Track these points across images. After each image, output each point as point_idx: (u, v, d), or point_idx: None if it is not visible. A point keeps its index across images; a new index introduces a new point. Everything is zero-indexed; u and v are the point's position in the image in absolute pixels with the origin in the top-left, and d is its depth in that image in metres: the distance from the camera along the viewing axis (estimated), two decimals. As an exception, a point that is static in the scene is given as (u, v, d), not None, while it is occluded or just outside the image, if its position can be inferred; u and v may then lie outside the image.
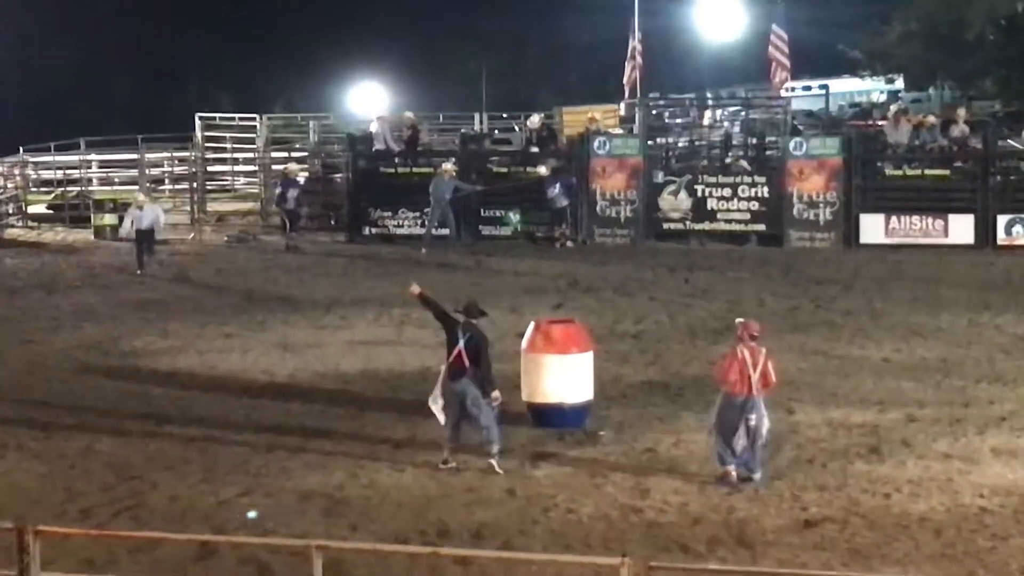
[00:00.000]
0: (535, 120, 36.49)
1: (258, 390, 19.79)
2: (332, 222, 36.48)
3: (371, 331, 23.66)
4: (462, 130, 39.77)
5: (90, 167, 43.57)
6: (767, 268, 29.80)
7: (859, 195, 32.72)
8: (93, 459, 16.35)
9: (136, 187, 38.93)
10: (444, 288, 26.89)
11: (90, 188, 41.79)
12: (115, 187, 42.26)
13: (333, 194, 37.05)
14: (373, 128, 36.17)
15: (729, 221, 33.17)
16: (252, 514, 14.37)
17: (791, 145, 33.20)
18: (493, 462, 15.57)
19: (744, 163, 34.48)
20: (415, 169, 35.16)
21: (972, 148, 33.51)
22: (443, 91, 70.09)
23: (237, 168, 44.35)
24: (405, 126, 36.38)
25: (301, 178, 35.05)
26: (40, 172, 43.02)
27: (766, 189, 33.05)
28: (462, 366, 15.64)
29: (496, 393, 15.76)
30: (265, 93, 70.06)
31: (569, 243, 33.10)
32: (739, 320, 15.81)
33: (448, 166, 33.05)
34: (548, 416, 17.25)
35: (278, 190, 34.51)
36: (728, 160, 34.95)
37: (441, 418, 15.81)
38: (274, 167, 39.31)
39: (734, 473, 15.14)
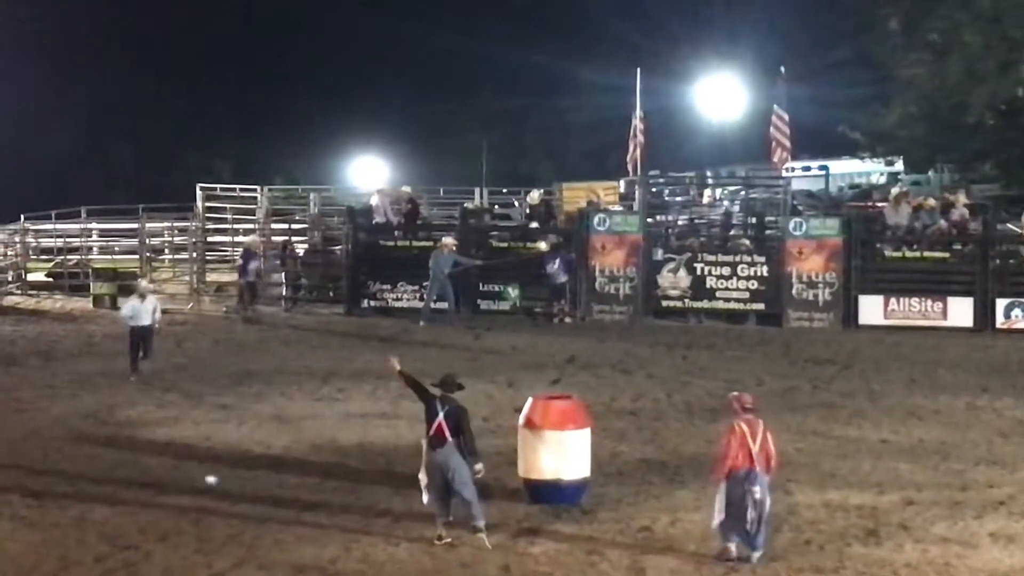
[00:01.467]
0: (534, 196, 36.64)
1: (253, 461, 19.70)
2: (331, 294, 36.52)
3: (368, 404, 23.60)
4: (465, 204, 39.88)
5: (90, 236, 43.66)
6: (765, 347, 29.79)
7: (858, 276, 32.79)
8: (87, 528, 16.25)
9: (136, 257, 38.94)
10: (441, 362, 26.92)
11: (90, 256, 41.86)
12: (115, 256, 42.31)
13: (332, 266, 37.12)
14: (373, 201, 36.32)
15: (728, 300, 33.21)
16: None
17: (791, 225, 33.29)
18: (483, 536, 15.50)
19: (745, 242, 34.56)
20: (415, 242, 35.23)
21: (972, 231, 33.61)
22: (443, 165, 70.42)
23: (237, 239, 44.39)
24: (404, 200, 36.52)
25: (277, 247, 35.38)
26: (40, 240, 43.11)
27: (765, 268, 33.12)
28: (443, 437, 15.65)
29: (480, 466, 15.76)
30: (266, 165, 70.39)
31: (567, 319, 33.12)
32: (732, 394, 15.77)
33: (448, 240, 33.15)
34: (544, 492, 17.16)
35: (239, 263, 34.64)
36: (729, 239, 35.02)
37: (424, 496, 15.73)
38: (274, 238, 39.37)
39: (734, 549, 15.04)
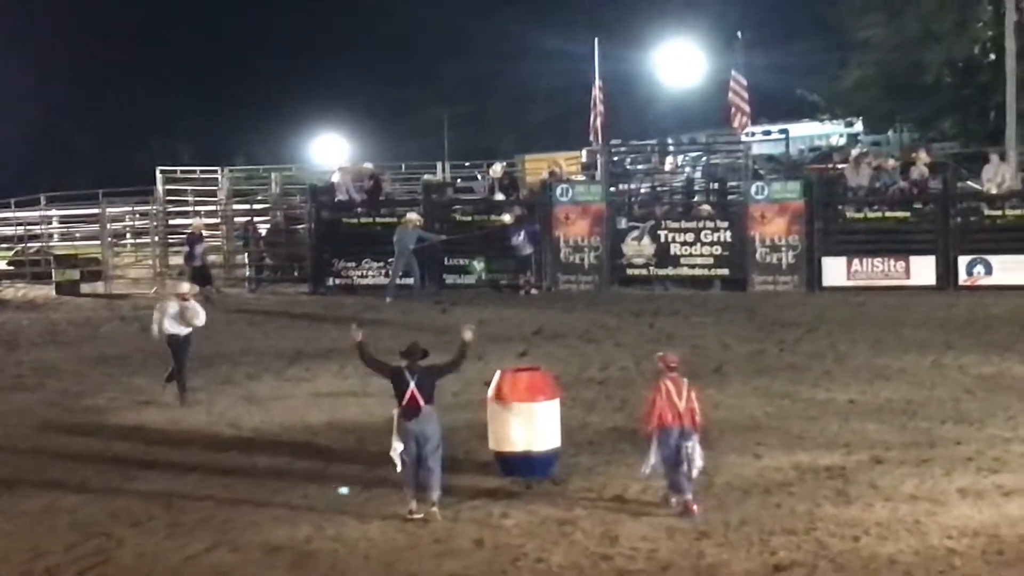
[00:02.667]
0: (497, 169, 36.63)
1: (223, 444, 19.67)
2: (295, 273, 36.44)
3: (336, 383, 23.57)
4: (424, 177, 39.82)
5: (51, 223, 43.42)
6: (731, 312, 29.89)
7: (821, 238, 32.91)
8: (57, 516, 16.19)
9: (98, 243, 38.67)
10: (409, 338, 26.87)
11: (51, 244, 41.63)
12: (76, 242, 42.09)
13: (296, 245, 37.02)
14: (335, 179, 36.25)
15: (692, 266, 33.31)
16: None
17: (752, 189, 33.38)
18: (435, 510, 15.53)
19: (707, 208, 34.63)
20: (378, 219, 35.16)
21: (932, 190, 33.76)
22: (405, 141, 70.30)
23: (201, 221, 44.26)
24: (366, 176, 36.43)
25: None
26: (0, 228, 42.83)
27: (728, 234, 33.20)
28: (417, 406, 15.65)
29: (469, 335, 16.35)
30: (226, 146, 70.10)
31: (533, 290, 33.15)
32: (657, 354, 16.28)
33: (412, 216, 33.10)
34: (515, 465, 17.17)
35: (186, 248, 34.43)
36: (692, 205, 35.09)
37: (399, 466, 15.74)
38: (236, 219, 39.26)
39: (691, 501, 15.38)
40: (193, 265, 33.36)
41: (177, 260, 40.20)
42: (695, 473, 15.56)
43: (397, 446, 15.71)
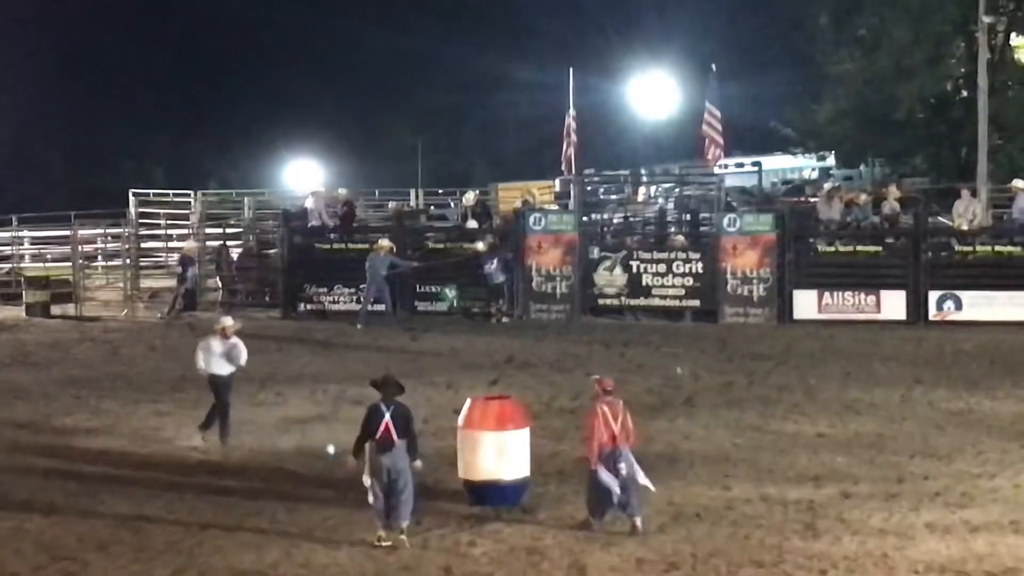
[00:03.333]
0: (470, 197, 36.66)
1: (191, 468, 19.61)
2: (266, 298, 36.36)
3: (306, 408, 23.52)
4: (389, 203, 39.79)
5: (22, 243, 43.26)
6: (702, 343, 29.94)
7: (792, 271, 32.99)
8: (24, 539, 16.11)
9: (69, 265, 38.53)
10: (380, 365, 26.87)
11: (22, 265, 41.47)
12: (47, 264, 41.95)
13: (268, 270, 36.95)
14: (308, 204, 36.23)
15: (664, 297, 33.35)
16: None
17: (725, 221, 33.47)
18: (403, 537, 15.51)
19: (680, 239, 34.71)
20: (350, 245, 35.13)
21: (903, 225, 33.91)
22: (378, 167, 70.33)
23: (171, 244, 44.15)
24: (340, 202, 36.42)
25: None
26: (-29, 249, 42.69)
27: (700, 265, 33.27)
28: (390, 439, 15.61)
29: (419, 463, 15.85)
30: (200, 169, 70.03)
31: (505, 319, 33.16)
32: (593, 377, 16.85)
33: (384, 242, 33.08)
34: (485, 493, 17.15)
35: (179, 270, 34.58)
36: (664, 236, 35.17)
37: (371, 497, 15.72)
38: (209, 243, 39.18)
39: (596, 526, 16.03)
40: (186, 288, 33.48)
41: (148, 283, 40.16)
42: (641, 486, 16.03)
43: (367, 479, 15.68)
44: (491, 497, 17.11)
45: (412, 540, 15.62)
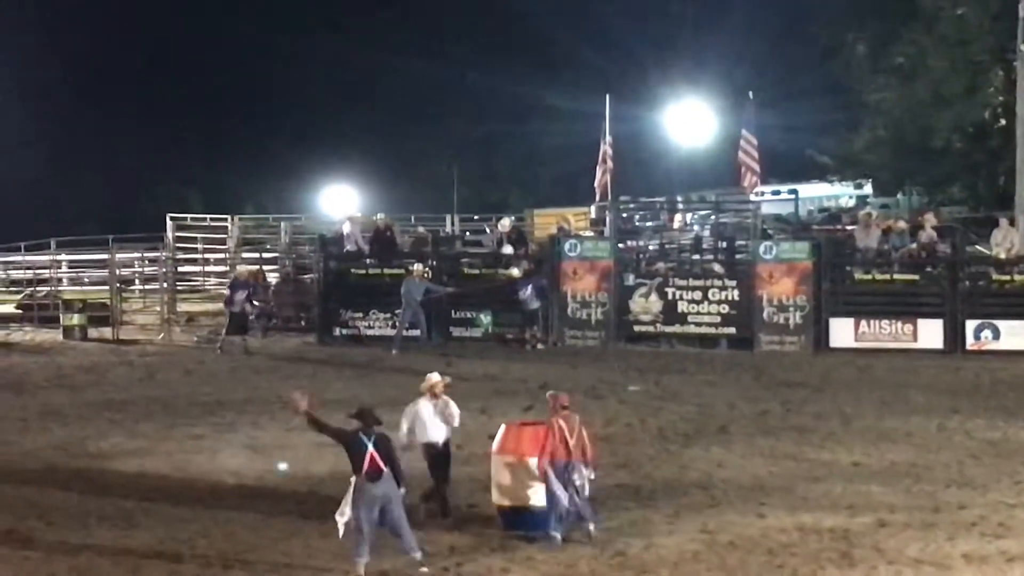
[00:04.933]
0: (505, 223, 36.65)
1: (226, 492, 19.65)
2: (302, 323, 36.44)
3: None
4: (418, 229, 39.76)
5: (60, 267, 43.51)
6: (737, 371, 29.84)
7: (829, 299, 32.87)
8: (58, 562, 16.16)
9: (106, 288, 38.69)
10: (413, 390, 26.83)
11: (60, 288, 41.71)
12: (85, 287, 42.17)
13: (303, 295, 37.06)
14: (344, 229, 36.28)
15: (700, 324, 33.25)
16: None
17: (761, 249, 33.39)
18: (425, 570, 15.45)
19: (716, 266, 34.63)
20: (386, 270, 35.18)
21: (941, 253, 33.77)
22: (414, 193, 70.45)
23: (208, 268, 44.34)
24: (380, 227, 36.44)
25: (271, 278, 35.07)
26: (10, 272, 42.96)
27: (736, 292, 33.17)
28: (378, 469, 15.51)
29: (403, 489, 15.78)
30: (237, 194, 70.31)
31: (540, 345, 33.13)
32: (549, 393, 17.45)
33: (419, 267, 33.13)
34: (518, 519, 17.14)
35: (227, 292, 34.52)
36: (700, 263, 35.09)
37: (341, 531, 15.58)
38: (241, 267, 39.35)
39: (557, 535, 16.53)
40: (232, 311, 33.42)
41: (185, 307, 40.33)
42: (584, 497, 16.75)
43: (346, 512, 15.51)
44: (524, 523, 17.09)
45: (447, 565, 15.60)
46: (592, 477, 16.92)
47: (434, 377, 18.41)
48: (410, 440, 17.89)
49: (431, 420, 18.03)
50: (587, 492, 16.88)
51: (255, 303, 34.00)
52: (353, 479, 15.59)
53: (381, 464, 15.51)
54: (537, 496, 17.05)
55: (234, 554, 16.40)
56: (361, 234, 35.95)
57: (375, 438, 15.66)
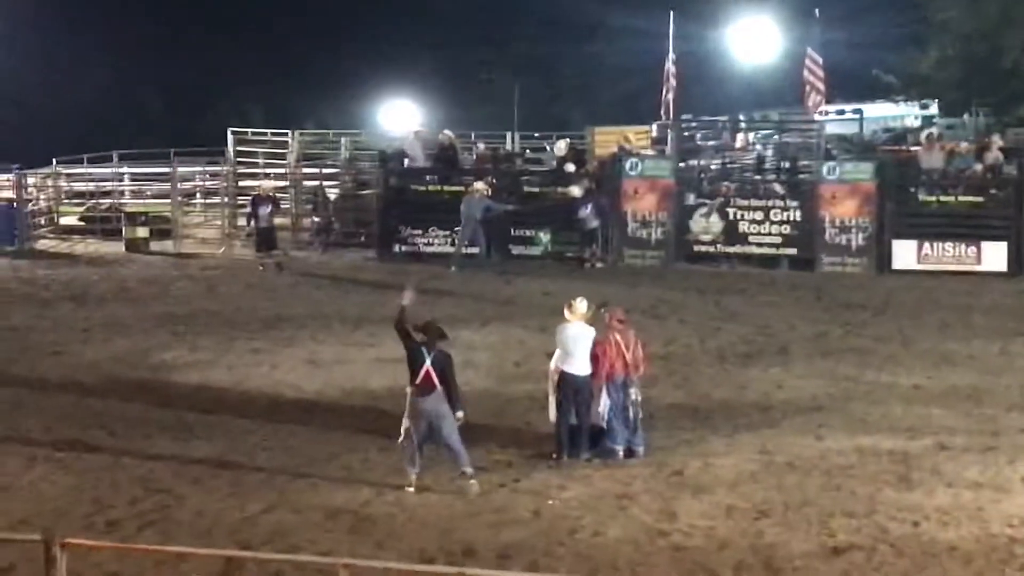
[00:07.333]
0: (561, 146, 36.39)
1: (286, 405, 19.81)
2: (362, 239, 36.50)
3: (398, 349, 23.39)
4: (478, 146, 39.55)
5: (122, 180, 43.71)
6: (797, 292, 29.68)
7: (892, 221, 32.56)
8: (120, 472, 16.37)
9: (168, 201, 38.91)
10: (473, 308, 27.01)
11: (122, 201, 41.94)
12: (147, 200, 42.40)
13: (363, 211, 37.08)
14: (407, 144, 36.18)
15: (760, 245, 33.05)
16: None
17: (824, 169, 33.08)
18: (473, 483, 15.55)
19: (777, 187, 34.37)
20: (446, 187, 35.14)
21: (1006, 175, 33.34)
22: (474, 108, 70.17)
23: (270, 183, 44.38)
24: (444, 144, 36.32)
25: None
26: (73, 184, 43.18)
27: (798, 213, 32.91)
28: (431, 385, 15.61)
29: (462, 413, 15.84)
30: (297, 109, 70.19)
31: (599, 264, 33.05)
32: (604, 310, 17.59)
33: (479, 185, 33.04)
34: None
35: (249, 209, 34.32)
36: (761, 183, 34.83)
37: (402, 441, 15.67)
38: (306, 183, 39.38)
39: (620, 452, 16.85)
40: (259, 227, 33.27)
41: (243, 221, 40.44)
42: (640, 419, 16.95)
43: (408, 422, 15.63)
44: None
45: (503, 483, 15.69)
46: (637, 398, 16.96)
47: (581, 305, 17.31)
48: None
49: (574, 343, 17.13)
50: (640, 415, 17.00)
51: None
52: (408, 390, 15.68)
53: (435, 381, 15.57)
54: (596, 415, 17.08)
55: (293, 467, 16.55)
56: (423, 151, 35.87)
57: (435, 356, 15.72)
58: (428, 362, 15.63)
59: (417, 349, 15.78)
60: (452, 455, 15.72)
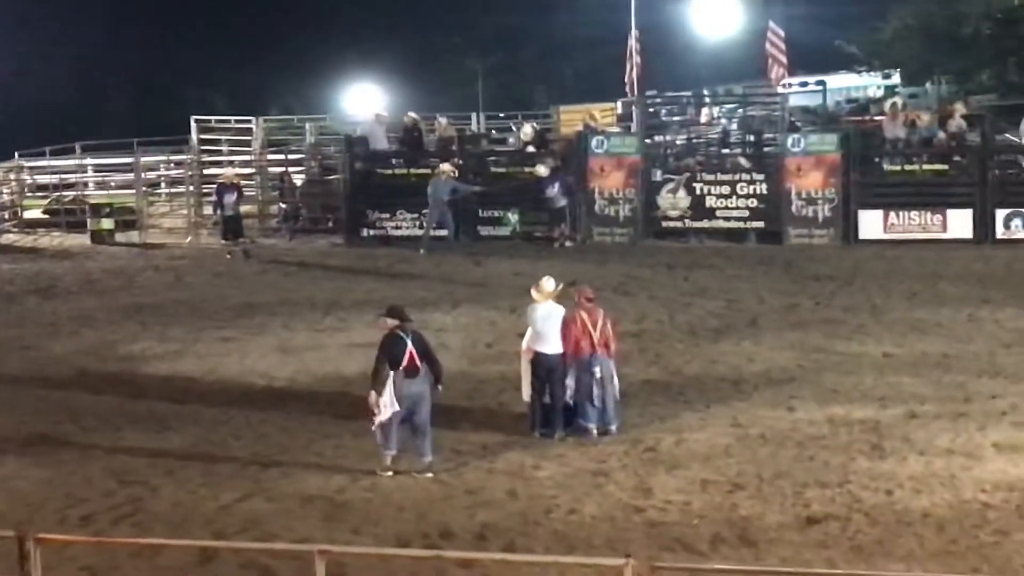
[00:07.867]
0: (527, 131, 36.28)
1: (257, 393, 19.76)
2: (329, 224, 36.40)
3: (370, 333, 23.40)
4: (441, 120, 39.42)
5: (86, 171, 43.47)
6: (766, 265, 29.75)
7: (857, 191, 32.65)
8: (93, 465, 16.29)
9: (132, 192, 38.73)
10: (443, 290, 26.98)
11: (86, 192, 41.72)
12: (111, 191, 42.19)
13: (330, 196, 36.98)
14: (367, 127, 36.07)
15: (728, 219, 33.11)
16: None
17: (789, 142, 33.15)
18: (430, 475, 15.51)
19: (743, 160, 34.43)
20: (412, 170, 35.08)
21: (970, 143, 33.46)
22: (439, 91, 70.06)
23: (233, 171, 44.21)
24: (408, 125, 36.23)
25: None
26: (36, 177, 42.94)
27: (764, 186, 32.99)
28: (416, 366, 15.62)
29: (440, 388, 15.96)
30: (261, 96, 70.00)
31: (568, 242, 33.05)
32: (572, 288, 17.55)
33: (446, 167, 32.99)
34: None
35: (214, 197, 34.15)
36: (727, 157, 34.89)
37: (377, 423, 15.59)
38: (271, 169, 39.24)
39: (594, 431, 16.77)
40: (224, 215, 33.17)
41: (210, 210, 40.28)
42: (615, 398, 16.94)
43: (387, 402, 15.56)
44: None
45: (478, 464, 15.69)
46: (606, 376, 16.91)
47: (547, 284, 17.32)
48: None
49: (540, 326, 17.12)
50: (617, 391, 17.00)
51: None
52: (391, 374, 15.65)
53: (418, 362, 15.59)
54: (567, 393, 17.09)
55: (267, 455, 16.51)
56: (385, 134, 35.77)
57: (412, 336, 15.72)
58: (410, 344, 15.62)
59: (396, 337, 15.74)
60: (418, 440, 15.69)
